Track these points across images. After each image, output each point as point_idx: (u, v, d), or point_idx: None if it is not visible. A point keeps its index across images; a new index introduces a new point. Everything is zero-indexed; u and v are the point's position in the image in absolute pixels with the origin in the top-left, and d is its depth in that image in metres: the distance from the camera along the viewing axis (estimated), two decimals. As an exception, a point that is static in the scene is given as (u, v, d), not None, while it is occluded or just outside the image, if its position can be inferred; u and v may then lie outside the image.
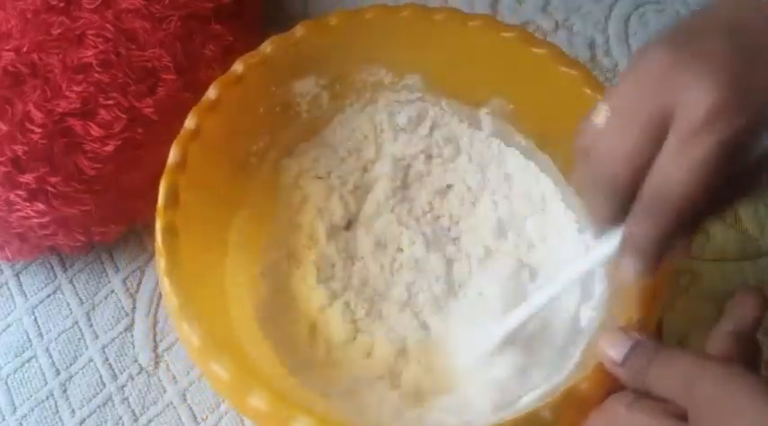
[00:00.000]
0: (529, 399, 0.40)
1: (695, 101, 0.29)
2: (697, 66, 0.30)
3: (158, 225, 0.41)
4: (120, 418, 0.48)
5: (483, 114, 0.50)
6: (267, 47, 0.46)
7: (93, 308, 0.52)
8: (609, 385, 0.35)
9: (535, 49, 0.45)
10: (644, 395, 0.33)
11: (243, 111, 0.46)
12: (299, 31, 0.47)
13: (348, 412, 0.42)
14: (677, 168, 0.30)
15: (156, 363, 0.50)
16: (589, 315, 0.43)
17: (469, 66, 0.48)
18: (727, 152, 0.29)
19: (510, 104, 0.49)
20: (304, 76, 0.48)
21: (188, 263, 0.40)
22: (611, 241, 0.34)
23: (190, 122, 0.43)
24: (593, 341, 0.40)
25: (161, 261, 0.39)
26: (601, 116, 0.32)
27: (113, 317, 0.51)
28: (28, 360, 0.51)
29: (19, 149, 0.45)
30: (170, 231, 0.40)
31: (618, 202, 0.32)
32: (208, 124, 0.44)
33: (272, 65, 0.46)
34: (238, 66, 0.45)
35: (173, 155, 0.42)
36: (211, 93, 0.44)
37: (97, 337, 0.51)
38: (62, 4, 0.48)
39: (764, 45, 0.30)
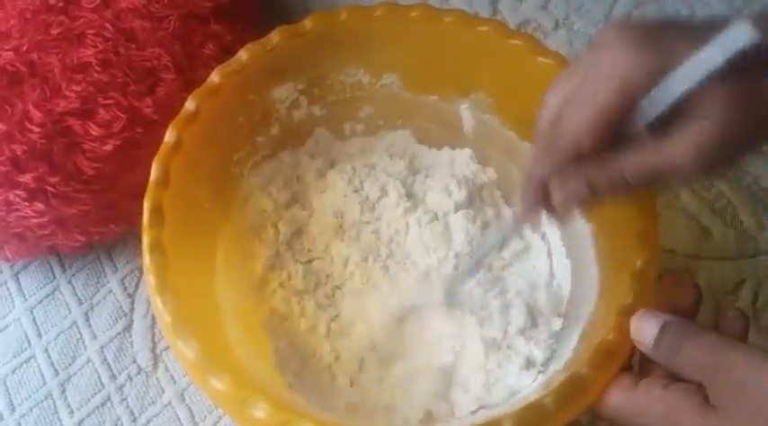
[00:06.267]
0: (529, 390, 0.41)
1: None
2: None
3: (146, 205, 0.41)
4: (119, 418, 0.48)
5: (463, 109, 0.50)
6: (243, 55, 0.46)
7: (92, 309, 0.52)
8: (612, 370, 0.36)
9: (511, 41, 0.45)
10: (676, 380, 0.34)
11: (222, 122, 0.46)
12: (274, 37, 0.46)
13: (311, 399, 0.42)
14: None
15: (155, 363, 0.50)
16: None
17: (446, 62, 0.48)
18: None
19: (489, 97, 0.49)
20: (282, 82, 0.48)
21: (174, 265, 0.40)
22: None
23: (170, 136, 0.43)
24: (588, 327, 0.40)
25: (144, 239, 0.40)
26: None
27: (112, 318, 0.51)
28: (26, 361, 0.51)
29: (18, 149, 0.45)
30: (157, 211, 0.41)
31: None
32: (188, 137, 0.43)
33: (249, 73, 0.46)
34: (215, 77, 0.45)
35: (154, 171, 0.42)
36: (190, 105, 0.44)
37: (96, 337, 0.51)
38: (61, 4, 0.48)
39: None
